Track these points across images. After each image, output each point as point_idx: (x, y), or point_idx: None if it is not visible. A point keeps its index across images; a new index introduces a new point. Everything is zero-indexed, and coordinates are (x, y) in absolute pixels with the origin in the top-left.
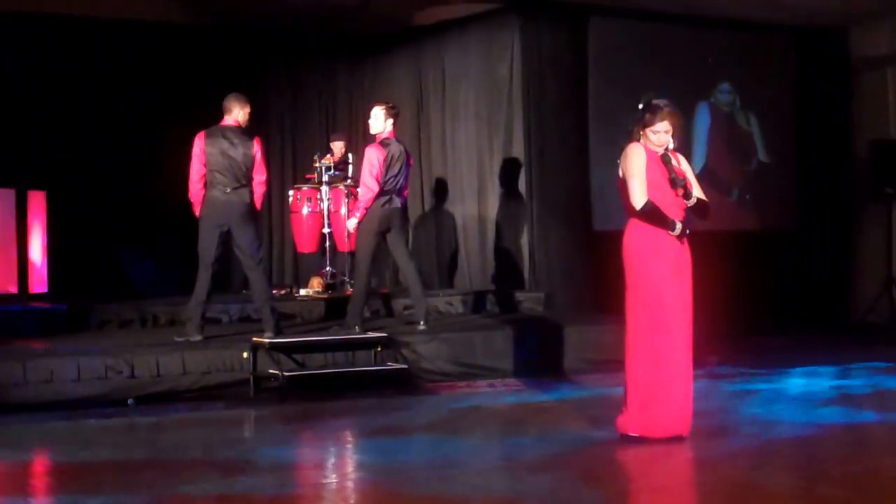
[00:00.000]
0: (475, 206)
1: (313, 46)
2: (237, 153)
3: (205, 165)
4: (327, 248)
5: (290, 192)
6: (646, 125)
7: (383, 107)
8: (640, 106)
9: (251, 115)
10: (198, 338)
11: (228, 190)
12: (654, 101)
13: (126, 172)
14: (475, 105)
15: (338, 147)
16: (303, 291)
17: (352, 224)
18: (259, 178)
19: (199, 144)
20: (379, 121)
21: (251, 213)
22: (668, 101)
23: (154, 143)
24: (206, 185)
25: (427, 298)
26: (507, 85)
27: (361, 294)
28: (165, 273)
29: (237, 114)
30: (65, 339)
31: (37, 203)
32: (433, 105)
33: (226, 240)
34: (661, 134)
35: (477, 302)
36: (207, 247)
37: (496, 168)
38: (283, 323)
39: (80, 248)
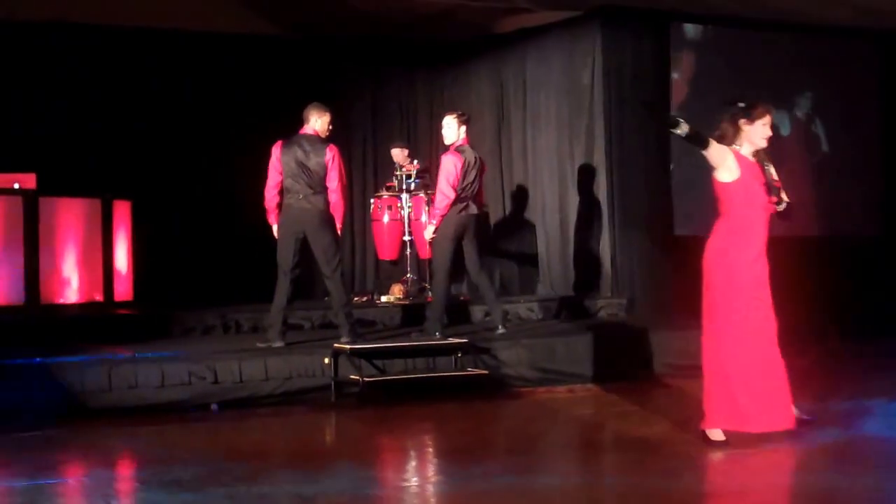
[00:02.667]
0: (556, 211)
1: (393, 56)
2: (311, 161)
3: (280, 174)
4: (408, 256)
5: (371, 201)
6: (752, 119)
7: (454, 115)
8: (742, 105)
9: (332, 123)
10: (279, 344)
11: (301, 197)
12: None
13: (210, 182)
14: (556, 112)
15: (397, 154)
16: (384, 298)
17: (429, 232)
18: (330, 185)
19: (276, 153)
20: (452, 129)
21: (327, 220)
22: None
23: (237, 152)
24: (282, 192)
25: (502, 302)
26: (589, 92)
27: (441, 301)
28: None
29: (315, 122)
30: (149, 346)
31: (122, 212)
32: (514, 112)
33: (304, 247)
34: (766, 127)
35: (558, 308)
36: (285, 254)
37: (577, 174)
38: (363, 329)
39: (164, 257)
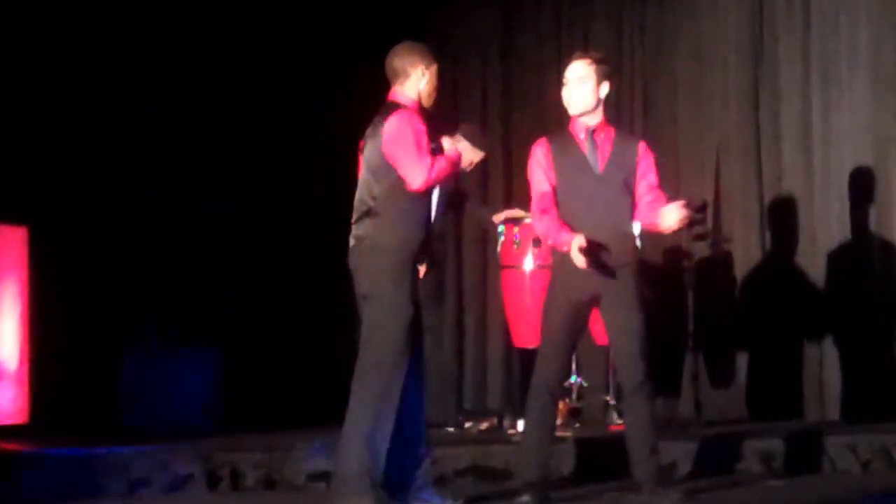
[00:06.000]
0: (867, 234)
1: None
2: (366, 152)
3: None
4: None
5: (500, 228)
6: None
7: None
8: None
9: (440, 78)
10: None
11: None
12: None
13: (184, 197)
14: (870, 52)
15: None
16: (523, 424)
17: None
18: (413, 182)
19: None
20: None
21: (376, 263)
22: None
23: (249, 147)
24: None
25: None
26: None
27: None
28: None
29: (412, 80)
30: None
31: (9, 248)
32: (784, 52)
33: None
34: None
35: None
36: None
37: None
38: (466, 483)
39: (90, 336)
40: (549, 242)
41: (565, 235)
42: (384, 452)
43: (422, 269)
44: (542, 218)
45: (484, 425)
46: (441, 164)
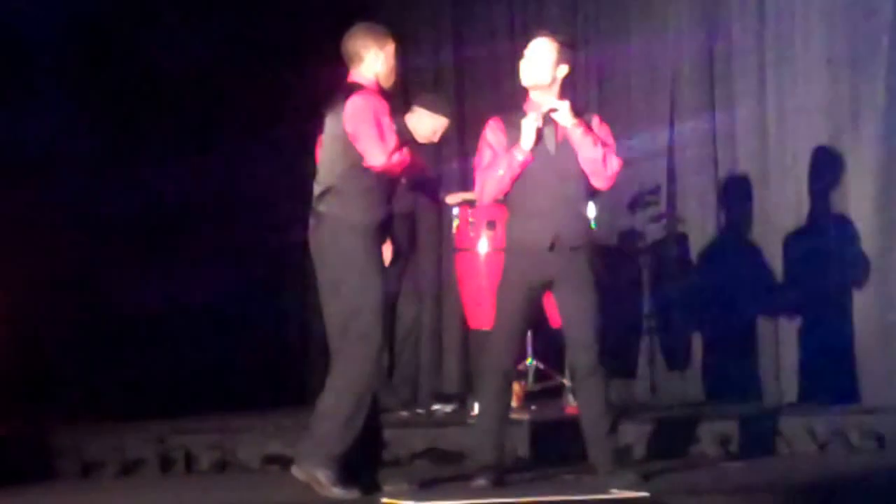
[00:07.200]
0: (823, 214)
1: None
2: (327, 134)
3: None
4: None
5: (455, 210)
6: None
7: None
8: None
9: (398, 57)
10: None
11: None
12: None
13: (135, 172)
14: (824, 37)
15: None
16: (478, 407)
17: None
18: (371, 160)
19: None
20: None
21: (341, 242)
22: None
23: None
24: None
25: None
26: None
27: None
28: None
29: (371, 62)
30: (11, 498)
31: None
32: (739, 35)
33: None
34: None
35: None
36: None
37: (867, 157)
38: (422, 465)
39: (37, 312)
40: (501, 172)
41: (511, 152)
42: (357, 433)
43: (387, 256)
44: (480, 172)
45: (449, 408)
46: (403, 155)
